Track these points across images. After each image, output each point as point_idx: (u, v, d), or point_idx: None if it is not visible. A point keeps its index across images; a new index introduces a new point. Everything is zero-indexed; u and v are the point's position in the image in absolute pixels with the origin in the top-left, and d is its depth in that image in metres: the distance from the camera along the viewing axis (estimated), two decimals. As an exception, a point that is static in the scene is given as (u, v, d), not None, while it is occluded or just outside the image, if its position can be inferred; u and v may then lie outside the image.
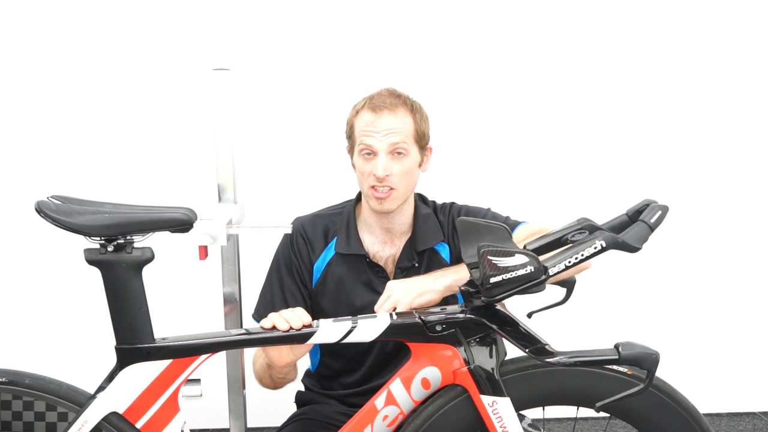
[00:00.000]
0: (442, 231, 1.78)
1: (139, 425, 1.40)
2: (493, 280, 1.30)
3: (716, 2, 2.81)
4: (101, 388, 1.40)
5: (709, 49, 2.83)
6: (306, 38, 2.72)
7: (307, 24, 2.71)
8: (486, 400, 1.40)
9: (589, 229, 1.35)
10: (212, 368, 1.71)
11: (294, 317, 1.43)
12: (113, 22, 2.66)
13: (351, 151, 1.75)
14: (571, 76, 2.80)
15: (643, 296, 2.91)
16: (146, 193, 2.64)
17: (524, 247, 1.37)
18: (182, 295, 2.67)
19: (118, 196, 1.57)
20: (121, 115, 2.69)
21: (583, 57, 2.80)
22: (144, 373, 1.39)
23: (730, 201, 2.91)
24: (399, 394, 1.45)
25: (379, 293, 1.57)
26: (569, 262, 1.30)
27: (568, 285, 1.39)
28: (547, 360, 1.37)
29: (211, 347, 1.41)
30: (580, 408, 1.48)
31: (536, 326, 1.42)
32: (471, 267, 1.36)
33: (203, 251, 1.64)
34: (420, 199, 1.83)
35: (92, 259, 1.36)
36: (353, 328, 1.41)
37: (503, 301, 1.38)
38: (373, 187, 1.67)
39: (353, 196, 1.84)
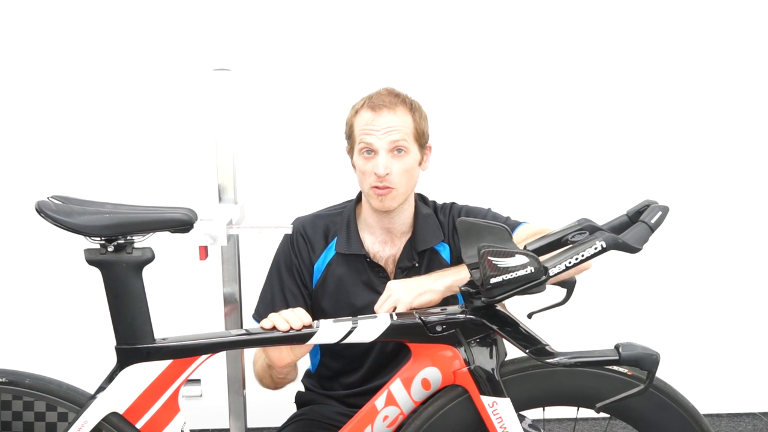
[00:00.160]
0: (442, 231, 1.78)
1: (139, 425, 1.40)
2: (493, 280, 1.30)
3: (716, 2, 2.81)
4: (101, 389, 1.40)
5: (709, 50, 2.83)
6: (306, 38, 2.72)
7: (307, 24, 2.71)
8: (486, 400, 1.40)
9: (589, 229, 1.35)
10: (212, 368, 1.71)
11: (294, 317, 1.43)
12: (113, 23, 2.66)
13: (351, 151, 1.75)
14: (571, 76, 2.80)
15: (643, 297, 2.91)
16: (146, 193, 2.64)
17: (524, 247, 1.37)
18: (182, 295, 2.67)
19: (118, 196, 1.57)
20: (122, 115, 2.69)
21: (584, 57, 2.80)
22: (144, 373, 1.39)
23: (730, 201, 2.91)
24: (399, 395, 1.45)
25: (380, 293, 1.57)
26: (569, 262, 1.30)
27: (569, 285, 1.39)
28: (548, 360, 1.37)
29: (212, 347, 1.41)
30: (581, 408, 1.48)
31: (536, 327, 1.42)
32: (471, 267, 1.36)
33: (203, 251, 1.64)
34: (420, 199, 1.83)
35: (92, 259, 1.36)
36: (353, 328, 1.41)
37: (503, 302, 1.38)
38: (374, 186, 1.67)
39: (353, 196, 1.84)
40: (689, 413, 1.46)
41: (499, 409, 1.40)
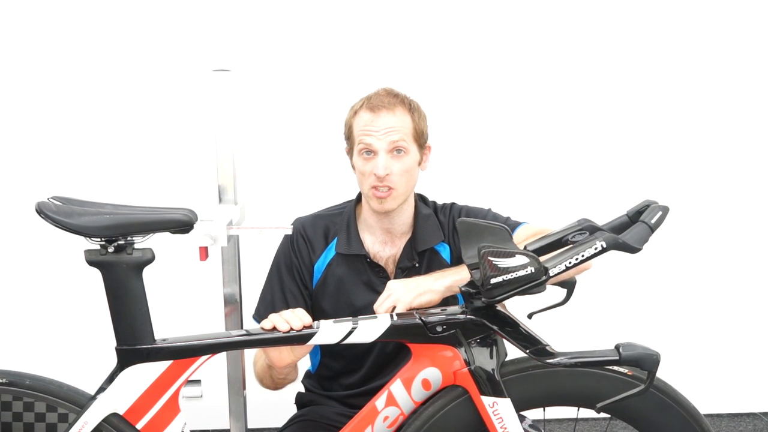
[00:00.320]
0: (442, 231, 1.78)
1: (139, 426, 1.41)
2: (493, 280, 1.30)
3: (716, 2, 2.81)
4: (102, 389, 1.40)
5: (709, 50, 2.83)
6: (306, 39, 2.72)
7: (307, 24, 2.71)
8: (486, 400, 1.40)
9: (589, 229, 1.35)
10: (213, 369, 1.71)
11: (294, 318, 1.44)
12: (113, 23, 2.66)
13: (350, 152, 1.75)
14: (571, 77, 2.80)
15: (644, 297, 2.91)
16: (147, 193, 2.64)
17: (525, 247, 1.37)
18: (183, 295, 2.67)
19: (118, 197, 1.57)
20: (122, 116, 2.69)
21: (584, 57, 2.80)
22: (144, 374, 1.39)
23: (731, 201, 2.91)
24: (399, 395, 1.45)
25: (380, 293, 1.57)
26: (570, 262, 1.30)
27: (569, 286, 1.39)
28: (548, 361, 1.37)
29: (212, 348, 1.41)
30: (581, 409, 1.48)
31: (537, 327, 1.42)
32: (471, 268, 1.36)
33: (204, 252, 1.64)
34: (420, 199, 1.83)
35: (93, 260, 1.36)
36: (354, 328, 1.41)
37: (504, 302, 1.38)
38: (373, 187, 1.67)
39: (353, 196, 1.84)
40: (690, 413, 1.46)
41: (499, 409, 1.40)
